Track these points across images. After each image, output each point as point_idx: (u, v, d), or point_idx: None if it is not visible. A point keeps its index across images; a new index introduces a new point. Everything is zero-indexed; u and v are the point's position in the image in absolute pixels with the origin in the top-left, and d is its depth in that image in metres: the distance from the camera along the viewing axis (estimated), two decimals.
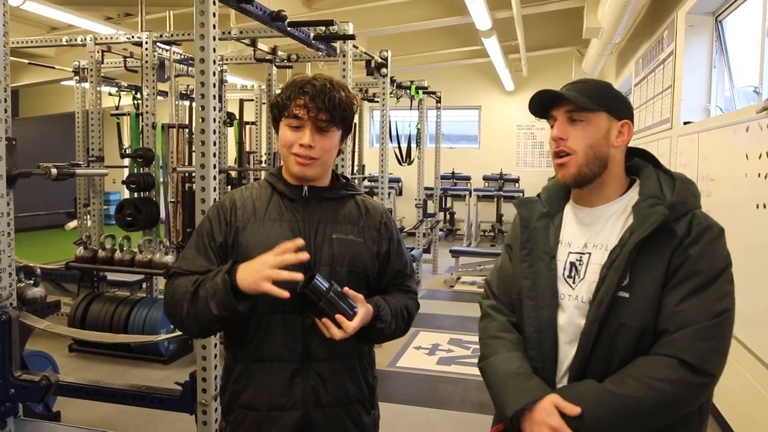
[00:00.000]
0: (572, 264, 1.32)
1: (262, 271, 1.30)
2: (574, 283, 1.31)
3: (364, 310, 1.41)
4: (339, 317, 1.36)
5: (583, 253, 1.31)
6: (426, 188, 7.99)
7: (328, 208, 1.52)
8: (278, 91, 1.50)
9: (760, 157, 2.87)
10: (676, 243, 1.21)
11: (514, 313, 1.40)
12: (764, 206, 2.80)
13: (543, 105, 1.34)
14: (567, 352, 1.29)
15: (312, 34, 3.92)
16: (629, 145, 1.37)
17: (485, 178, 11.35)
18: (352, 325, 1.37)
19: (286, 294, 1.30)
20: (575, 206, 1.38)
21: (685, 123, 4.58)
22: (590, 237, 1.32)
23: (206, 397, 2.56)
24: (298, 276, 1.32)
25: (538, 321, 1.31)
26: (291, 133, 1.45)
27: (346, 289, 1.39)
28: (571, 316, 1.29)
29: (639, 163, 1.36)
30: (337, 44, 4.18)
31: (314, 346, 1.44)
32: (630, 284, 1.22)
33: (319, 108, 1.42)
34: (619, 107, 1.32)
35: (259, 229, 1.47)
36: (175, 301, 1.43)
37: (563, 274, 1.32)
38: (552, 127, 1.33)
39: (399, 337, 1.61)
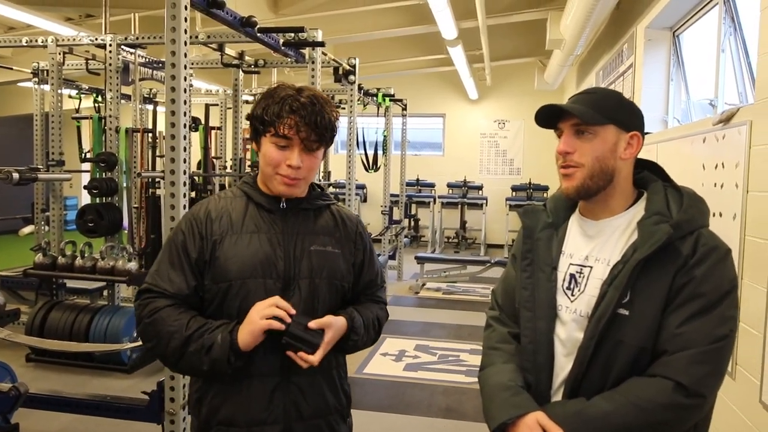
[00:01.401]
0: (572, 276, 1.31)
1: (260, 322, 1.35)
2: (573, 295, 1.29)
3: (330, 335, 1.41)
4: (302, 355, 1.37)
5: (584, 266, 1.30)
6: (391, 195, 8.02)
7: (306, 219, 1.51)
8: (259, 101, 1.46)
9: (716, 167, 2.99)
10: (680, 263, 1.19)
11: (517, 324, 1.37)
12: (720, 215, 2.91)
13: (550, 117, 1.32)
14: (564, 365, 1.28)
15: (281, 41, 3.92)
16: (639, 156, 1.34)
17: (449, 185, 11.46)
18: (312, 359, 1.38)
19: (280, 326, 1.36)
20: (581, 218, 1.36)
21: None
22: (593, 250, 1.30)
23: (174, 407, 2.53)
24: (280, 324, 1.36)
25: (534, 332, 1.30)
26: (277, 152, 1.41)
27: (311, 323, 1.39)
28: (570, 329, 1.28)
29: (648, 176, 1.34)
30: (306, 51, 4.18)
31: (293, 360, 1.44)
32: (630, 302, 1.20)
33: (310, 128, 1.39)
34: (628, 119, 1.29)
35: (237, 242, 1.43)
36: (159, 335, 1.39)
37: (562, 286, 1.31)
38: (559, 137, 1.31)
39: (369, 347, 1.62)
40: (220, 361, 1.35)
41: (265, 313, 1.35)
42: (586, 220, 1.34)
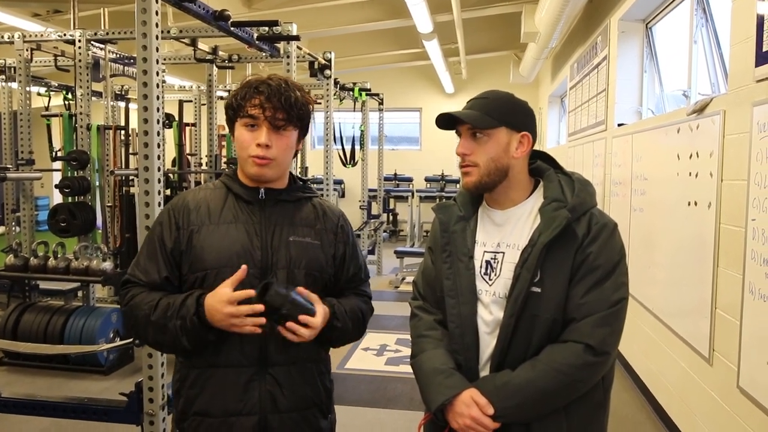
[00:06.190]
0: (488, 262, 1.43)
1: (229, 318, 1.32)
2: (490, 279, 1.41)
3: (321, 308, 1.40)
4: (304, 317, 1.34)
5: (498, 252, 1.43)
6: (369, 190, 8.00)
7: (285, 211, 1.50)
8: (233, 93, 1.48)
9: (690, 157, 3.02)
10: (578, 243, 1.35)
11: (440, 311, 1.49)
12: (695, 204, 2.95)
13: (449, 121, 1.44)
14: (488, 343, 1.40)
15: (255, 35, 3.87)
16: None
17: (427, 180, 11.48)
18: (317, 322, 1.36)
19: (258, 330, 1.32)
20: (487, 208, 1.49)
21: (619, 125, 4.78)
22: (503, 237, 1.43)
23: (153, 407, 2.49)
24: (261, 320, 1.32)
25: (460, 317, 1.41)
26: (247, 133, 1.43)
27: (299, 288, 1.38)
28: (491, 310, 1.40)
29: (541, 166, 1.49)
30: (281, 45, 4.13)
31: (271, 350, 1.42)
32: (541, 280, 1.34)
33: (275, 107, 1.40)
34: (518, 120, 1.41)
35: (214, 231, 1.44)
36: (136, 322, 1.42)
37: (480, 272, 1.43)
38: (459, 137, 1.44)
39: (355, 340, 1.60)
40: (197, 339, 1.37)
41: (233, 322, 1.32)
42: (493, 210, 1.48)
